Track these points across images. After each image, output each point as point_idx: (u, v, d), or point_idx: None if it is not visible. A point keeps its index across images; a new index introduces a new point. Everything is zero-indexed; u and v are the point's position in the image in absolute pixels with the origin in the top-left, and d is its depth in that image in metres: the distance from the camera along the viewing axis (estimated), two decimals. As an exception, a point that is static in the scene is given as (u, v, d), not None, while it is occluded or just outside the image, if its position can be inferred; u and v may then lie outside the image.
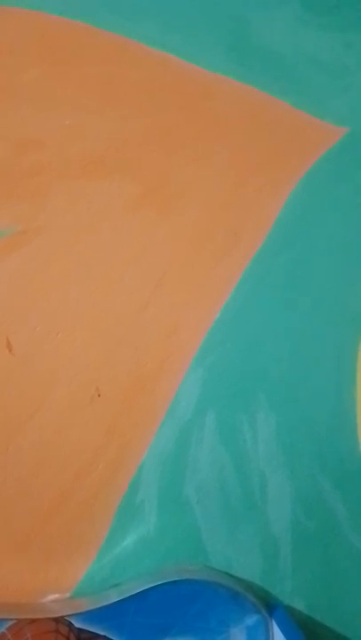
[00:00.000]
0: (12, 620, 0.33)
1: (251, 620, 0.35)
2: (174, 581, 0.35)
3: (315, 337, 0.38)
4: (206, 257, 0.37)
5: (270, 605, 0.36)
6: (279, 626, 0.35)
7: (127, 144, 0.37)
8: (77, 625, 0.33)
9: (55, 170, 0.36)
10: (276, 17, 0.38)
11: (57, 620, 0.33)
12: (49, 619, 0.33)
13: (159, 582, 0.34)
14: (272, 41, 0.38)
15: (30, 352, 0.35)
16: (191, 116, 0.37)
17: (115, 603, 0.34)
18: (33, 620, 0.33)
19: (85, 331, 0.36)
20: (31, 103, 0.36)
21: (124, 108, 0.37)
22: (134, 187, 0.37)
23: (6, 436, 0.35)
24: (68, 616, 0.33)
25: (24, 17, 0.36)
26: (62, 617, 0.33)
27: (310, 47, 0.38)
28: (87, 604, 0.34)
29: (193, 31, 0.38)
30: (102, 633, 0.33)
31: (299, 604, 0.37)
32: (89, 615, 0.34)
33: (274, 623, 0.35)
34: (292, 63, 0.38)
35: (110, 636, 0.34)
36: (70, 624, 0.33)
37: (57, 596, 0.36)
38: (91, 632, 0.33)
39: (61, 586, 0.36)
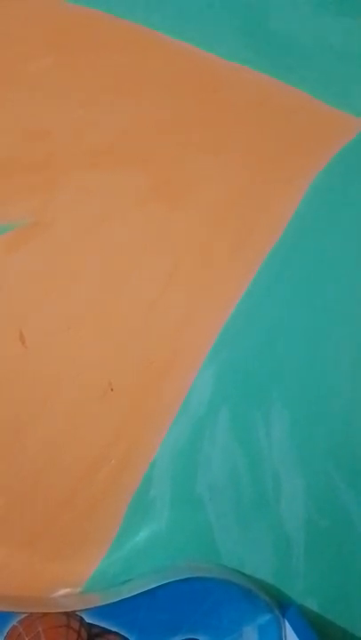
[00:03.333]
0: (23, 613, 0.33)
1: (263, 618, 0.35)
2: (186, 579, 0.35)
3: (330, 334, 0.37)
4: (220, 251, 0.37)
5: (283, 605, 0.36)
6: (292, 625, 0.35)
7: (140, 135, 0.37)
8: (88, 620, 0.33)
9: (67, 161, 0.36)
10: (294, 4, 0.37)
11: (68, 615, 0.33)
12: (60, 613, 0.33)
13: (171, 579, 0.34)
14: (290, 29, 0.37)
15: (41, 346, 0.35)
16: (206, 106, 0.37)
17: (126, 599, 0.34)
18: (44, 614, 0.33)
19: (97, 325, 0.36)
20: (42, 93, 0.36)
21: (138, 97, 0.37)
22: (146, 178, 0.36)
23: (17, 429, 0.35)
24: (80, 611, 0.33)
25: (39, 4, 0.36)
26: (73, 612, 0.33)
27: (330, 35, 0.38)
28: (98, 600, 0.34)
29: (210, 19, 0.37)
30: (113, 629, 0.33)
31: (311, 604, 0.37)
32: (100, 610, 0.33)
33: (286, 622, 0.35)
34: (311, 52, 0.38)
35: (121, 632, 0.33)
36: (81, 619, 0.33)
37: (68, 590, 0.36)
38: (102, 627, 0.33)
39: (72, 581, 0.36)
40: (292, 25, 0.37)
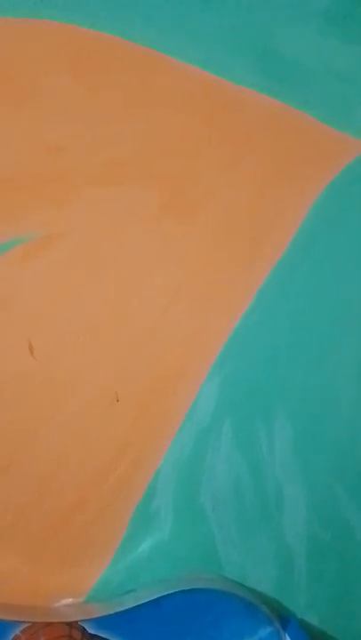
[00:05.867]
0: (26, 623, 0.33)
1: (264, 631, 0.35)
2: (189, 590, 0.35)
3: (334, 348, 0.38)
4: (227, 264, 0.38)
5: (283, 618, 0.36)
6: (293, 639, 0.35)
7: (151, 153, 0.37)
8: (91, 630, 0.33)
9: (80, 176, 0.37)
10: (300, 31, 0.38)
11: (70, 625, 0.33)
12: (62, 623, 0.33)
13: (173, 590, 0.34)
14: (296, 54, 0.38)
15: (51, 356, 0.36)
16: (215, 127, 0.38)
17: (128, 609, 0.34)
18: (47, 625, 0.33)
19: (105, 336, 0.36)
20: (58, 110, 0.37)
21: (150, 117, 0.38)
22: (157, 195, 0.37)
23: (24, 439, 0.36)
24: (82, 621, 0.33)
25: (56, 29, 0.37)
26: (76, 622, 0.33)
27: (335, 60, 0.39)
28: (101, 610, 0.34)
29: (219, 45, 0.38)
30: (115, 639, 0.33)
31: (312, 618, 0.37)
32: (102, 621, 0.33)
33: (287, 636, 0.35)
34: (316, 76, 0.39)
35: (123, 643, 0.34)
36: (83, 629, 0.33)
37: (71, 600, 0.36)
38: (104, 638, 0.33)
39: (75, 591, 0.36)
40: (298, 50, 0.39)
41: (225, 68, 0.38)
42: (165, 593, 0.34)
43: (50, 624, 0.33)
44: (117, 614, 0.34)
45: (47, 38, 0.37)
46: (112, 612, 0.34)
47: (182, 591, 0.34)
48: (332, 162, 0.38)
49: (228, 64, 0.38)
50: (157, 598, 0.34)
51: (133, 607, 0.34)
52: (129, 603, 0.34)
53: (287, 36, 0.38)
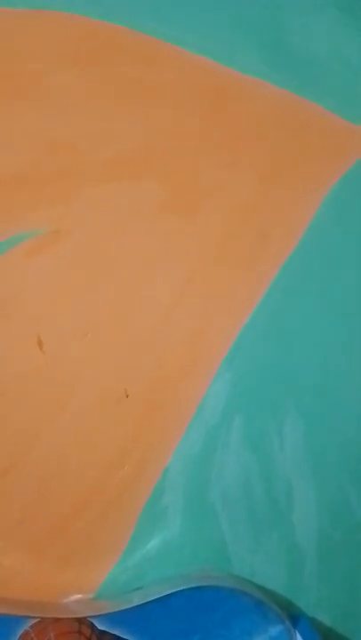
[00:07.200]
0: (35, 618, 0.33)
1: (274, 630, 0.35)
2: (198, 587, 0.34)
3: (345, 345, 0.38)
4: (235, 261, 0.37)
5: (294, 616, 0.36)
6: (303, 637, 0.35)
7: (157, 147, 0.37)
8: (100, 627, 0.33)
9: (86, 172, 0.36)
10: (312, 21, 0.38)
11: (80, 621, 0.33)
12: (72, 619, 0.33)
13: (182, 587, 0.34)
14: (308, 44, 0.38)
15: (59, 352, 0.36)
16: (223, 119, 0.38)
17: (137, 606, 0.34)
18: (56, 620, 0.33)
19: (114, 332, 0.36)
20: (63, 106, 0.36)
21: (156, 110, 0.37)
22: (163, 190, 0.37)
23: (32, 435, 0.36)
24: (91, 617, 0.33)
25: (62, 20, 0.37)
26: (85, 618, 0.33)
27: (346, 51, 0.38)
28: (109, 607, 0.34)
29: (228, 34, 0.38)
30: (124, 636, 0.33)
31: (323, 616, 0.37)
32: (111, 618, 0.33)
33: (298, 635, 0.35)
34: (327, 66, 0.38)
35: (132, 640, 0.34)
36: (93, 625, 0.33)
37: (80, 596, 0.36)
38: (113, 634, 0.33)
39: (84, 587, 0.36)
40: (308, 39, 0.38)
41: (234, 59, 0.38)
42: (174, 590, 0.34)
43: (59, 619, 0.33)
44: (126, 611, 0.34)
45: (51, 30, 0.36)
46: (121, 609, 0.34)
47: (191, 589, 0.34)
48: (345, 154, 0.38)
49: (237, 54, 0.38)
50: (166, 595, 0.34)
51: (142, 604, 0.34)
52: (138, 600, 0.34)
53: (298, 26, 0.38)
